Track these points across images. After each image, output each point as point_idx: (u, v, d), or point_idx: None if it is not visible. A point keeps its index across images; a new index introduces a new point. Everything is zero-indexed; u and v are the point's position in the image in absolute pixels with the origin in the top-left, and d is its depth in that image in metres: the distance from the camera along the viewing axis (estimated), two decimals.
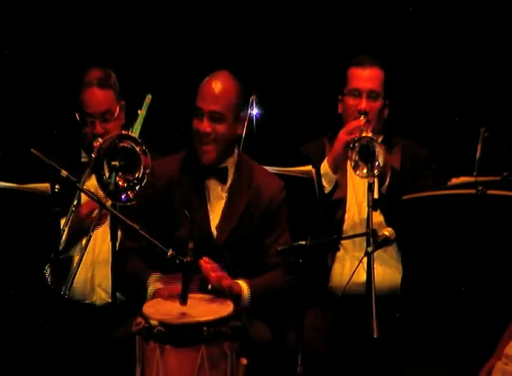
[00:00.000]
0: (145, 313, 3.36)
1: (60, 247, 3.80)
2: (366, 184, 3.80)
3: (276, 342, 3.66)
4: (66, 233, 3.82)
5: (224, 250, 3.75)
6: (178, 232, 3.71)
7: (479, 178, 3.51)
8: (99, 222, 3.85)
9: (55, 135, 4.72)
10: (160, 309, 3.40)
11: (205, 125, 3.73)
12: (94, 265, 4.08)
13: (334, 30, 4.81)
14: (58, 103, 4.65)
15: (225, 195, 3.81)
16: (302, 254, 3.38)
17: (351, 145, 3.87)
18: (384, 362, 3.78)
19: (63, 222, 3.84)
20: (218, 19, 4.85)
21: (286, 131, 4.77)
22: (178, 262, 3.32)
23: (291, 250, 3.42)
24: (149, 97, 4.15)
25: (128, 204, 3.52)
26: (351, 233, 4.05)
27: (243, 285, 3.61)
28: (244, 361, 3.38)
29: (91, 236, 3.87)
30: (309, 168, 3.89)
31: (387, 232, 3.45)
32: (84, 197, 3.95)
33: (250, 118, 4.42)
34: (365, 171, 3.82)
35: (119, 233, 3.55)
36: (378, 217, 3.96)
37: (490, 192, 3.39)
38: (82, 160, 4.16)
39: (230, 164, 3.83)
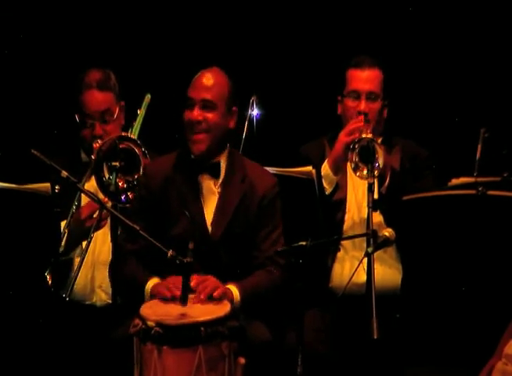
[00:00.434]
0: (142, 315, 3.35)
1: (61, 250, 3.80)
2: (366, 184, 3.81)
3: (276, 343, 3.66)
4: (66, 235, 3.82)
5: (219, 246, 3.73)
6: (174, 229, 3.71)
7: (479, 179, 3.51)
8: (99, 225, 3.84)
9: (56, 136, 4.72)
10: (157, 311, 3.40)
11: (196, 114, 3.71)
12: (94, 266, 4.08)
13: (334, 31, 4.81)
14: (58, 103, 4.64)
15: (217, 190, 3.79)
16: (302, 254, 3.38)
17: (351, 146, 3.87)
18: (384, 362, 3.78)
19: (63, 224, 3.84)
20: (218, 20, 4.86)
21: (286, 131, 4.77)
22: (178, 262, 3.32)
23: (291, 250, 3.41)
24: (148, 97, 4.15)
25: (122, 206, 3.53)
26: (351, 234, 4.04)
27: (234, 290, 3.59)
28: (242, 361, 3.37)
29: (91, 239, 3.84)
30: (309, 168, 3.89)
31: (388, 232, 3.44)
32: (84, 199, 3.95)
33: (251, 119, 4.43)
34: (365, 172, 3.82)
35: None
36: (378, 217, 3.96)
37: (490, 192, 3.39)
38: (82, 160, 4.16)
39: (222, 159, 3.80)
